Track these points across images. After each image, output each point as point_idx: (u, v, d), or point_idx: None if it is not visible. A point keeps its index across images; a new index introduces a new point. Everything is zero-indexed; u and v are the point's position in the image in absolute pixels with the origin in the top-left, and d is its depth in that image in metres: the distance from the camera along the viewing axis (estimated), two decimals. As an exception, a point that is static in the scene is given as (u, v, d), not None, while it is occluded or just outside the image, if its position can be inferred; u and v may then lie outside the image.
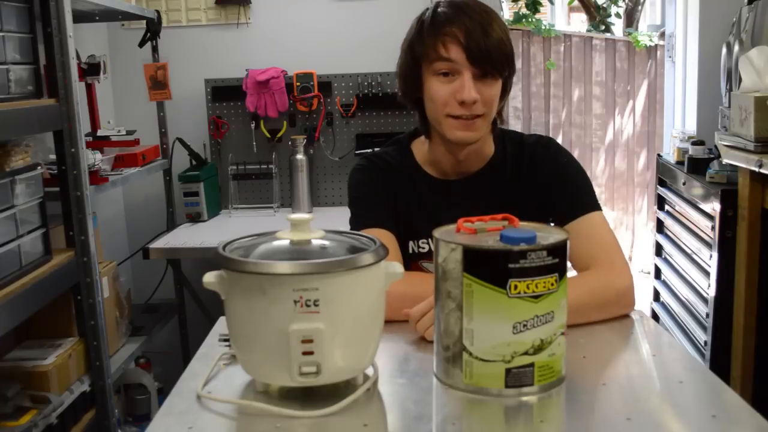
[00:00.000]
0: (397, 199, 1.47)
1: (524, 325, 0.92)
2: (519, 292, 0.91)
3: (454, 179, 1.48)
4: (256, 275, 0.94)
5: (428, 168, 1.49)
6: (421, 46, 1.36)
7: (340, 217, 1.52)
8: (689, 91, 3.24)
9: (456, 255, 0.94)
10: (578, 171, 1.47)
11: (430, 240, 1.48)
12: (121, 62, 3.02)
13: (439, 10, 1.37)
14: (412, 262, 1.47)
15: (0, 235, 1.57)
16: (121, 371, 2.18)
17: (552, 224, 1.50)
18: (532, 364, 0.94)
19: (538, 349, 0.93)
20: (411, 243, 1.49)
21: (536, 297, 0.92)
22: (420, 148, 1.50)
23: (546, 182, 1.44)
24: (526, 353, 0.93)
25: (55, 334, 1.93)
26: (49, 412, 1.70)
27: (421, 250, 1.49)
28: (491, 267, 0.92)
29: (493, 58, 1.31)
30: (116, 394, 2.30)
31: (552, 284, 0.93)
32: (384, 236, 1.36)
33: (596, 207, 1.42)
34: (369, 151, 1.60)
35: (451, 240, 0.96)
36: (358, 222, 1.44)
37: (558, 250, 0.93)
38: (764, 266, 2.18)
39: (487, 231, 1.00)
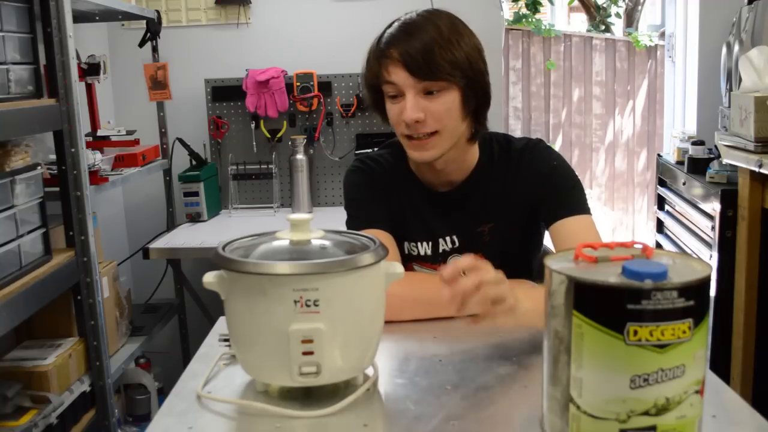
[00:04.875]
0: (391, 200, 1.48)
1: (645, 380, 0.76)
2: (639, 339, 0.75)
3: (441, 191, 1.48)
4: (256, 275, 0.94)
5: (419, 175, 1.49)
6: (369, 71, 1.38)
7: (340, 217, 1.52)
8: (689, 91, 3.24)
9: (564, 289, 0.79)
10: (570, 174, 1.45)
11: (419, 244, 1.49)
12: (121, 62, 3.01)
13: (386, 32, 1.37)
14: (405, 263, 1.47)
15: (0, 235, 1.57)
16: (121, 371, 2.18)
17: (544, 229, 1.50)
18: (653, 427, 0.77)
19: (663, 410, 0.77)
20: (406, 243, 1.50)
21: (662, 346, 0.75)
22: None
23: (535, 184, 1.42)
24: (646, 413, 0.77)
25: (55, 334, 1.93)
26: (49, 412, 1.70)
27: (412, 252, 1.50)
28: (605, 306, 0.76)
29: (433, 72, 1.30)
30: (116, 394, 2.30)
31: (683, 332, 0.76)
32: (382, 237, 1.36)
33: (586, 210, 1.40)
34: (368, 151, 1.60)
35: (561, 270, 0.80)
36: (355, 223, 1.44)
37: (693, 291, 0.76)
38: (764, 266, 2.18)
39: (611, 260, 0.83)
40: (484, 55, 1.38)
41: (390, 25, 1.37)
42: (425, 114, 1.32)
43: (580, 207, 1.40)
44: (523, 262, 1.51)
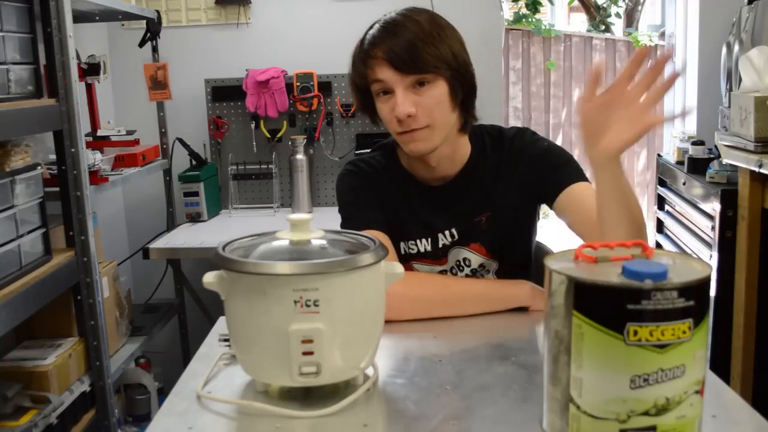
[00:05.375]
0: (385, 201, 1.48)
1: (645, 380, 0.76)
2: (639, 339, 0.75)
3: (435, 185, 1.49)
4: (256, 275, 0.94)
5: (412, 172, 1.50)
6: (356, 74, 1.40)
7: (339, 217, 1.52)
8: (689, 91, 3.24)
9: (564, 289, 0.79)
10: (561, 151, 1.46)
11: (418, 241, 1.49)
12: (121, 62, 3.01)
13: (368, 34, 1.38)
14: (404, 263, 1.48)
15: (0, 235, 1.57)
16: (121, 371, 2.18)
17: (541, 210, 1.51)
18: (653, 427, 0.77)
19: (663, 410, 0.77)
20: (402, 244, 1.50)
21: (662, 346, 0.75)
22: (404, 152, 1.51)
23: (530, 167, 1.44)
24: (646, 413, 0.77)
25: (55, 334, 1.93)
26: (49, 412, 1.70)
27: (410, 251, 1.50)
28: (605, 306, 0.76)
29: (418, 65, 1.31)
30: (116, 394, 2.30)
31: (683, 332, 0.76)
32: (379, 237, 1.36)
33: (584, 178, 1.40)
34: (366, 151, 1.61)
35: (561, 270, 0.80)
36: (351, 225, 1.44)
37: (694, 291, 0.76)
38: (764, 266, 2.18)
39: (611, 260, 0.83)
40: (465, 47, 1.40)
41: (371, 27, 1.39)
42: (416, 108, 1.33)
43: (581, 175, 1.41)
44: (520, 249, 1.53)
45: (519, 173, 1.45)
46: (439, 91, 1.34)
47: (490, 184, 1.47)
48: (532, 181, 1.44)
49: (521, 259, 1.52)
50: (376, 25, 1.38)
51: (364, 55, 1.36)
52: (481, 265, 1.50)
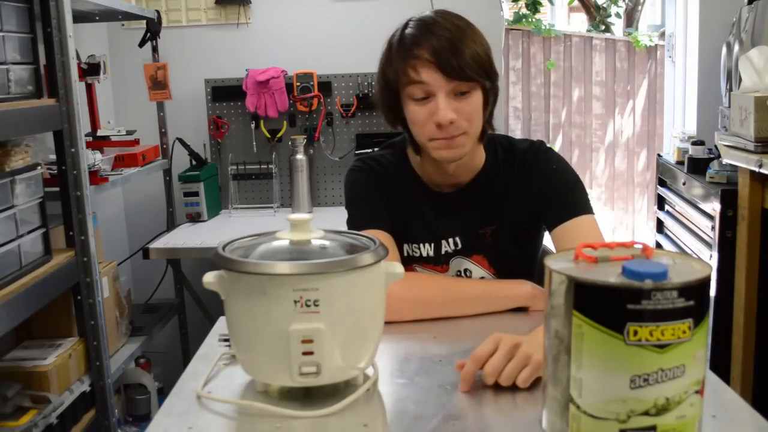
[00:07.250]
0: (392, 201, 1.47)
1: (645, 380, 0.76)
2: (639, 339, 0.75)
3: (446, 192, 1.48)
4: (256, 275, 0.94)
5: (423, 175, 1.49)
6: (393, 72, 1.35)
7: (340, 217, 1.52)
8: (689, 91, 3.24)
9: (564, 289, 0.79)
10: (569, 175, 1.44)
11: (421, 245, 1.49)
12: (121, 62, 3.02)
13: (406, 31, 1.35)
14: (406, 265, 1.47)
15: (0, 235, 1.57)
16: (121, 371, 2.18)
17: (546, 231, 1.50)
18: (653, 427, 0.77)
19: (663, 410, 0.77)
20: (406, 246, 1.49)
21: (662, 346, 0.75)
22: (415, 154, 1.49)
23: (537, 188, 1.43)
24: (646, 413, 0.77)
25: (55, 334, 1.93)
26: (49, 412, 1.70)
27: (413, 254, 1.50)
28: (605, 306, 0.76)
29: (466, 73, 1.29)
30: (116, 394, 2.30)
31: (683, 332, 0.76)
32: (383, 237, 1.36)
33: (587, 210, 1.39)
34: (368, 151, 1.60)
35: (561, 270, 0.80)
36: (356, 223, 1.44)
37: (694, 291, 0.76)
38: (764, 266, 2.18)
39: (611, 260, 0.83)
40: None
41: (406, 26, 1.36)
42: (456, 114, 1.31)
43: (581, 208, 1.39)
44: (523, 263, 1.51)
45: (527, 191, 1.44)
46: (477, 99, 1.33)
47: (499, 198, 1.45)
48: (537, 202, 1.43)
49: (522, 276, 1.45)
50: (413, 24, 1.34)
51: (406, 54, 1.32)
52: (482, 279, 1.49)
